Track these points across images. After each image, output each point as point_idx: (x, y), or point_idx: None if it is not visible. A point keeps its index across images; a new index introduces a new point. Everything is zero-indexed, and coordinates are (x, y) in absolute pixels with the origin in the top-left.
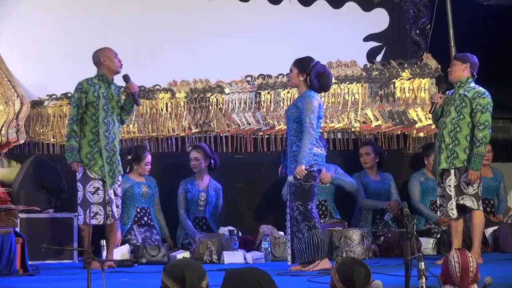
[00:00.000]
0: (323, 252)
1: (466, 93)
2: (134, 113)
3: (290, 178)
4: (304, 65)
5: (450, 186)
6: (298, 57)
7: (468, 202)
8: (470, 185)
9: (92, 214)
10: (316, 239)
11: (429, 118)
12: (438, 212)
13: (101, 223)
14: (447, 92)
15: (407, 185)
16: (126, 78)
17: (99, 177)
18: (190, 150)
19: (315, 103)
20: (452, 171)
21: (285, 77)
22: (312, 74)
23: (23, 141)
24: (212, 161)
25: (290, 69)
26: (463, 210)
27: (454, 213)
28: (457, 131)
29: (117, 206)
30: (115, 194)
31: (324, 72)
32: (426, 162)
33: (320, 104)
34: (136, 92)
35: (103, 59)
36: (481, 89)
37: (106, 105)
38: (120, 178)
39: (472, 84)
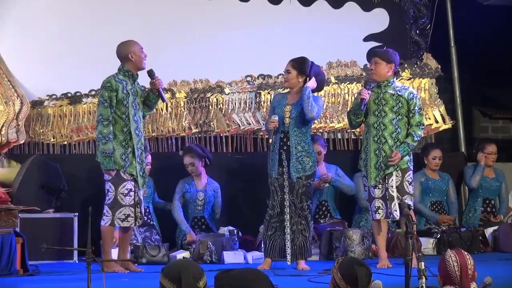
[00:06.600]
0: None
1: (399, 92)
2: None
3: (299, 179)
4: (303, 67)
5: (392, 186)
6: (297, 56)
7: (410, 202)
8: (411, 184)
9: (123, 217)
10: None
11: (429, 118)
12: (377, 214)
13: (132, 225)
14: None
15: None
16: (151, 73)
17: (132, 177)
18: (182, 155)
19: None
20: (395, 172)
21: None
22: (312, 75)
23: (23, 141)
24: (207, 159)
25: (288, 70)
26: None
27: (398, 214)
28: (398, 132)
29: None
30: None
31: (320, 72)
32: (426, 162)
33: None
34: (162, 87)
35: (131, 55)
36: (412, 89)
37: (134, 101)
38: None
39: (398, 83)
